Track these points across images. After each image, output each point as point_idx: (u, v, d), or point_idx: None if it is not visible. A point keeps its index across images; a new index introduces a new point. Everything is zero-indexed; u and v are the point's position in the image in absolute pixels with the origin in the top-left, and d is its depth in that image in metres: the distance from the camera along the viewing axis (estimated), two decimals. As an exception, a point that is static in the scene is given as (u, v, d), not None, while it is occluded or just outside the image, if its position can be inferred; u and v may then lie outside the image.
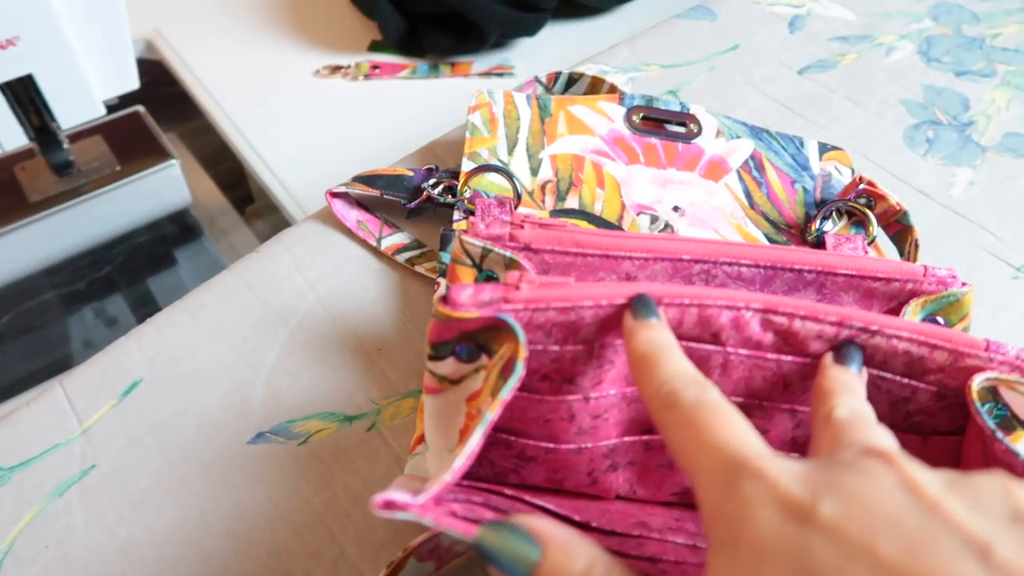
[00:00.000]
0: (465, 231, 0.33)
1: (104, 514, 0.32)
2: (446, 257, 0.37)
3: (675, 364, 0.24)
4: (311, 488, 0.33)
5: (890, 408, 0.28)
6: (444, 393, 0.29)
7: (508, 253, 0.32)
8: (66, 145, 0.62)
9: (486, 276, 0.33)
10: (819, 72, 0.53)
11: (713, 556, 0.19)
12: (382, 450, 0.34)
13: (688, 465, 0.21)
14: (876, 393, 0.28)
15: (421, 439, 0.32)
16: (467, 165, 0.40)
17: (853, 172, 0.44)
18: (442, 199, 0.40)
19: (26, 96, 0.55)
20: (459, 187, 0.39)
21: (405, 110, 0.70)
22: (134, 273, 0.69)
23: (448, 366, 0.28)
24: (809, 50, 0.55)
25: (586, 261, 0.32)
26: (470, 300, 0.27)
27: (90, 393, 0.36)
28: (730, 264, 0.32)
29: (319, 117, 0.70)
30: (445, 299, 0.27)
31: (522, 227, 0.32)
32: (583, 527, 0.28)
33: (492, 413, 0.23)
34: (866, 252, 0.38)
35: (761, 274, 0.32)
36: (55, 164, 0.62)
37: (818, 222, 0.40)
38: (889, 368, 0.27)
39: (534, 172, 0.41)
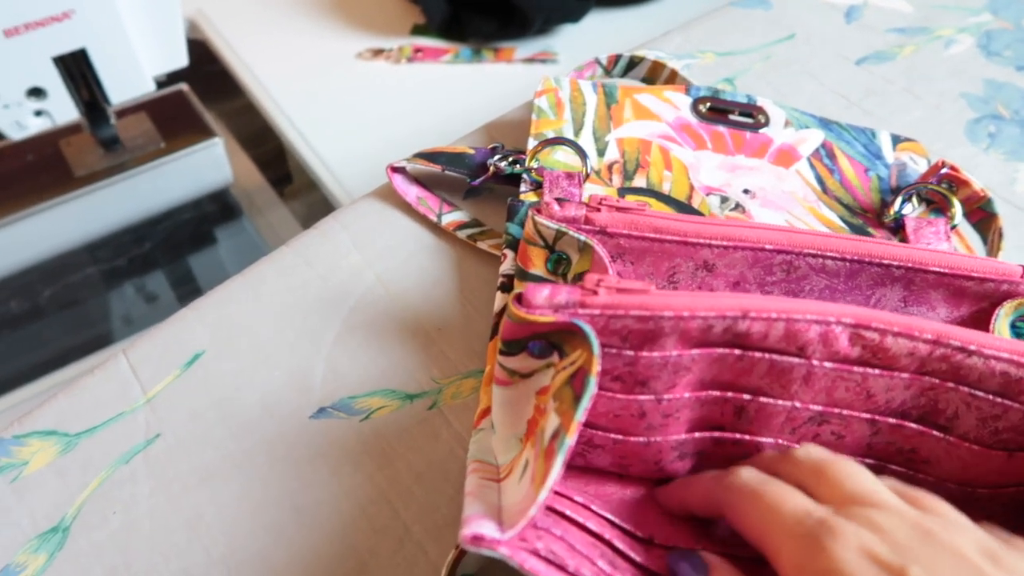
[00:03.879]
0: (538, 210, 0.33)
1: (169, 484, 0.32)
2: (513, 228, 0.36)
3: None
4: (374, 464, 0.33)
5: (978, 424, 0.27)
6: (514, 385, 0.29)
7: (582, 237, 0.32)
8: (113, 121, 0.62)
9: (557, 257, 0.33)
10: (877, 63, 0.53)
11: None
12: (444, 429, 0.34)
13: (760, 531, 0.24)
14: (965, 410, 0.27)
15: (485, 413, 0.32)
16: (532, 146, 0.40)
17: (929, 163, 0.43)
18: (510, 170, 0.39)
19: (78, 70, 0.56)
20: (527, 159, 0.39)
21: (447, 94, 0.70)
22: (175, 251, 0.69)
23: (519, 361, 0.28)
24: (866, 41, 0.54)
25: (663, 247, 0.32)
26: (546, 302, 0.26)
27: (153, 363, 0.36)
28: (815, 256, 0.31)
29: (361, 99, 0.69)
30: (520, 299, 0.26)
31: (599, 210, 0.32)
32: (646, 543, 0.27)
33: (570, 438, 0.22)
34: (948, 237, 0.37)
35: (846, 267, 0.31)
36: (102, 139, 0.62)
37: (897, 204, 0.39)
38: (983, 387, 0.27)
39: (600, 153, 0.41)
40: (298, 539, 0.31)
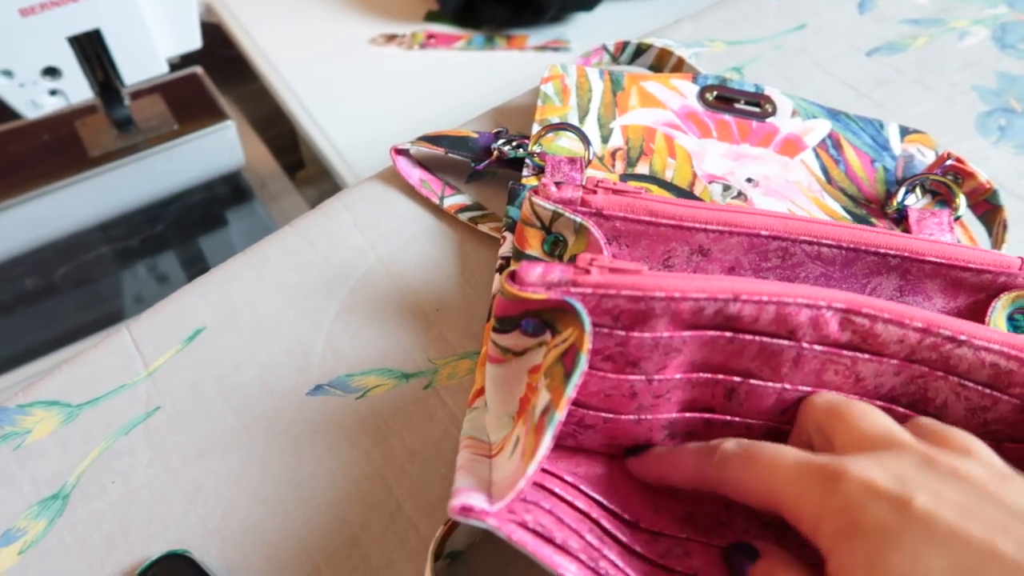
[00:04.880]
0: (536, 192, 0.33)
1: (168, 456, 0.33)
2: (513, 211, 0.36)
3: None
4: (369, 441, 0.34)
5: (966, 415, 0.27)
6: (507, 363, 0.29)
7: (578, 218, 0.32)
8: (127, 102, 0.62)
9: (554, 239, 0.33)
10: (889, 55, 0.52)
11: (835, 545, 0.22)
12: (439, 409, 0.35)
13: (767, 490, 0.24)
14: (955, 400, 0.27)
15: (480, 393, 0.32)
16: (536, 131, 0.40)
17: (937, 155, 0.43)
18: (513, 154, 0.39)
19: (92, 51, 0.56)
20: (530, 143, 0.39)
21: (459, 81, 0.70)
22: (186, 232, 0.70)
23: (512, 339, 0.28)
24: (879, 32, 0.54)
25: (658, 231, 0.32)
26: (539, 280, 0.26)
27: (155, 338, 0.36)
28: (810, 243, 0.31)
29: (373, 85, 0.70)
30: (513, 277, 0.27)
31: (595, 192, 0.32)
32: (631, 525, 0.28)
33: (560, 414, 0.23)
34: (952, 228, 0.37)
35: (842, 255, 0.31)
36: (116, 120, 0.63)
37: (901, 195, 0.38)
38: (972, 378, 0.27)
39: (605, 140, 0.41)
40: (293, 512, 0.32)
